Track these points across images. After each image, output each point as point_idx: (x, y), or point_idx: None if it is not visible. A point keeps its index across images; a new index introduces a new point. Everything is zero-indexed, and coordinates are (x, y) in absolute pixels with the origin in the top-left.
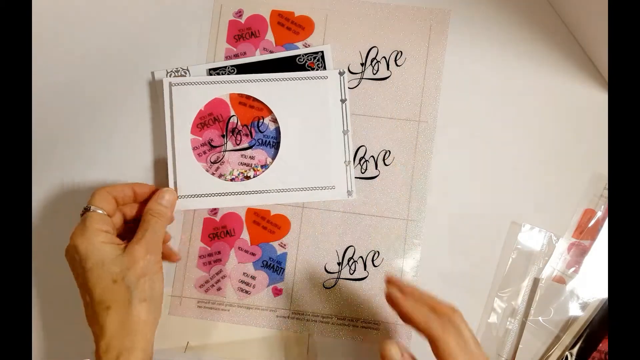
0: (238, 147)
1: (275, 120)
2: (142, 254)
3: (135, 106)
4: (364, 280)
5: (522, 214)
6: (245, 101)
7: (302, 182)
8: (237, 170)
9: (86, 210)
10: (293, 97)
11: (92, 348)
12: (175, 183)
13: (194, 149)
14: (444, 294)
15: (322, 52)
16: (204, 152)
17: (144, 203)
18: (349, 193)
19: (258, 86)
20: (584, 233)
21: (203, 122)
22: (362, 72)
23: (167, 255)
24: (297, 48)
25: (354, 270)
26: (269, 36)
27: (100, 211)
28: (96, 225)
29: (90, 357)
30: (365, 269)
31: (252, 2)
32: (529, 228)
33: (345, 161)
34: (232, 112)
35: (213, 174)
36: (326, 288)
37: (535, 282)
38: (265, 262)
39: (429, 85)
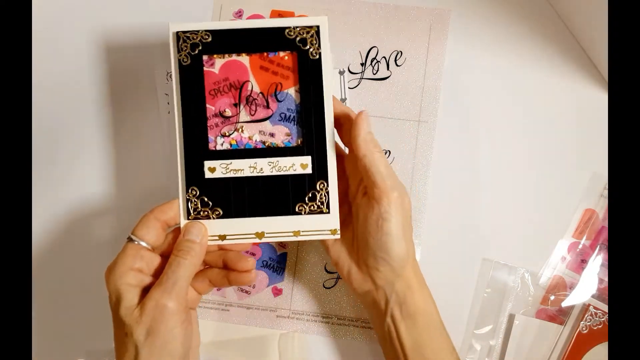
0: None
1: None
2: (152, 306)
3: (135, 106)
4: None
5: (522, 213)
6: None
7: None
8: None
9: (128, 239)
10: None
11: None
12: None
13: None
14: (445, 293)
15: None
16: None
17: None
18: None
19: None
20: (584, 233)
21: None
22: (362, 72)
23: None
24: None
25: None
26: None
27: (142, 243)
28: (128, 262)
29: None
30: None
31: (252, 2)
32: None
33: None
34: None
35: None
36: (326, 288)
37: (510, 318)
38: (265, 262)
39: (429, 85)
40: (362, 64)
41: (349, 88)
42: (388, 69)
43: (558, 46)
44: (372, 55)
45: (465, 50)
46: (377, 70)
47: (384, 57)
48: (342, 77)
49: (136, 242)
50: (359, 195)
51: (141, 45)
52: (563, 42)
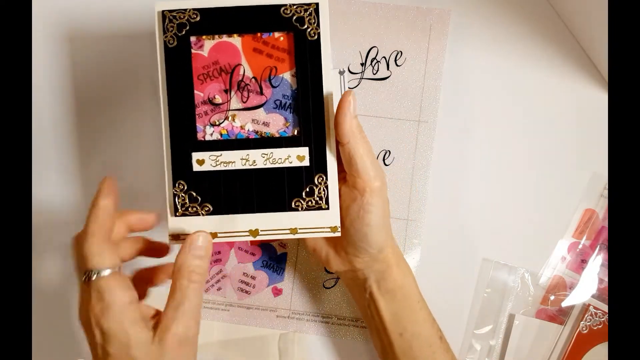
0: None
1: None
2: (175, 344)
3: (135, 106)
4: None
5: (522, 213)
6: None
7: None
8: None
9: (92, 276)
10: None
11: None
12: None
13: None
14: (445, 293)
15: None
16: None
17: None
18: None
19: None
20: (584, 233)
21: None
22: (362, 72)
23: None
24: None
25: None
26: None
27: (112, 271)
28: (120, 297)
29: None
30: None
31: None
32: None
33: None
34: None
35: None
36: (326, 288)
37: (510, 318)
38: (265, 262)
39: (429, 85)
40: (362, 64)
41: (349, 88)
42: (388, 69)
43: (558, 46)
44: (372, 55)
45: (465, 50)
46: (377, 70)
47: (384, 57)
48: (342, 77)
49: (109, 273)
50: (339, 181)
51: (142, 45)
52: (563, 42)
